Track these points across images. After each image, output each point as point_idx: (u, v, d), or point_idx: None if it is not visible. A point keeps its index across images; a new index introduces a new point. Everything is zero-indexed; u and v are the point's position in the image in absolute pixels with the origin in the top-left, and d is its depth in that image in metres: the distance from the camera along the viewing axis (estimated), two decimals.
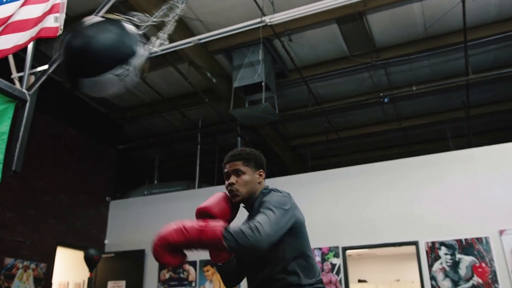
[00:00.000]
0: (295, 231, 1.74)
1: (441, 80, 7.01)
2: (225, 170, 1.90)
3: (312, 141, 9.32)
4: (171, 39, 5.85)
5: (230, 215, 1.82)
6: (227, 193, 1.89)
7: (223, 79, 7.03)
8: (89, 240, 7.49)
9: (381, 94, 6.92)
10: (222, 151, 9.16)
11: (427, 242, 5.72)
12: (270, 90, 6.40)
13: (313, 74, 7.05)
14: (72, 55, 1.43)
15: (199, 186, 8.19)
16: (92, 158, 8.01)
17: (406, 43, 6.49)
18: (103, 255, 7.35)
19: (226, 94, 6.92)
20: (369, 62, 6.65)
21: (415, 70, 7.07)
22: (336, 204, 6.46)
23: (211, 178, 9.12)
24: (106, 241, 7.95)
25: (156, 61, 6.63)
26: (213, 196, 1.85)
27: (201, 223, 1.55)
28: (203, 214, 1.76)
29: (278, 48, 6.54)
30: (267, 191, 1.85)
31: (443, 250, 5.60)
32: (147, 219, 7.75)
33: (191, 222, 1.56)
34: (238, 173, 1.87)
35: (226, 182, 1.89)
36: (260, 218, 1.58)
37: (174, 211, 7.56)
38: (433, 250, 5.65)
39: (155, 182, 9.56)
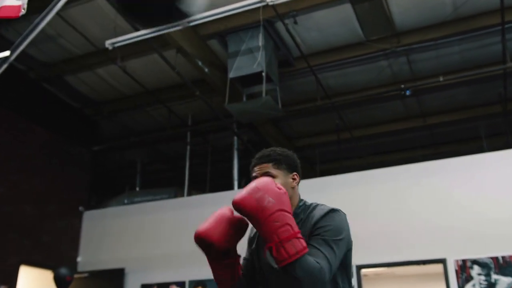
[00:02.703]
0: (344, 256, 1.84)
1: (473, 69, 6.99)
2: (253, 174, 1.93)
3: (321, 141, 9.31)
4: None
5: (234, 239, 1.85)
6: (231, 208, 1.91)
7: (217, 68, 7.01)
8: (58, 258, 7.46)
9: (403, 85, 6.91)
10: (215, 152, 9.16)
11: (457, 260, 5.70)
12: (271, 81, 6.39)
13: (322, 63, 7.04)
14: None
15: (189, 194, 8.18)
16: (62, 161, 7.99)
17: (432, 26, 6.47)
18: (76, 275, 7.33)
19: (220, 86, 6.90)
20: (388, 48, 6.63)
21: (442, 58, 7.06)
22: (349, 215, 6.40)
23: (203, 185, 9.11)
24: (78, 259, 7.93)
25: (138, 47, 6.62)
26: (214, 215, 1.87)
27: (294, 226, 1.65)
28: (200, 241, 1.81)
29: (282, 32, 6.51)
30: (322, 207, 1.90)
31: (476, 270, 5.58)
32: (128, 232, 7.73)
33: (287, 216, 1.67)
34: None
35: None
36: (327, 253, 1.70)
37: (160, 223, 7.55)
38: (464, 269, 5.63)
39: (137, 189, 9.54)
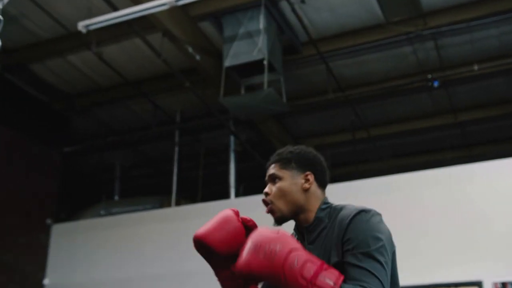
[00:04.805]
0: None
1: None
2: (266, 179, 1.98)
3: (333, 141, 9.31)
4: None
5: (235, 246, 1.80)
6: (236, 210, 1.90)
7: (210, 55, 7.01)
8: (22, 280, 7.44)
9: (430, 75, 6.90)
10: (208, 154, 9.13)
11: (495, 283, 5.67)
12: (275, 70, 6.39)
13: (334, 49, 7.04)
14: None
15: (177, 204, 8.16)
16: (27, 164, 7.96)
17: (465, 5, 6.46)
18: None
19: (214, 76, 6.89)
20: (412, 32, 6.62)
21: (477, 42, 7.05)
22: None
23: (194, 193, 9.09)
24: (45, 281, 7.89)
25: (117, 30, 6.59)
26: (215, 217, 1.87)
27: (315, 259, 1.61)
28: (199, 244, 1.81)
29: (287, 12, 6.51)
30: (349, 208, 1.82)
31: None
32: (105, 249, 7.71)
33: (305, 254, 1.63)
34: (274, 180, 1.93)
35: None
36: (372, 268, 1.64)
37: (143, 237, 7.53)
38: None
39: (116, 198, 9.53)
